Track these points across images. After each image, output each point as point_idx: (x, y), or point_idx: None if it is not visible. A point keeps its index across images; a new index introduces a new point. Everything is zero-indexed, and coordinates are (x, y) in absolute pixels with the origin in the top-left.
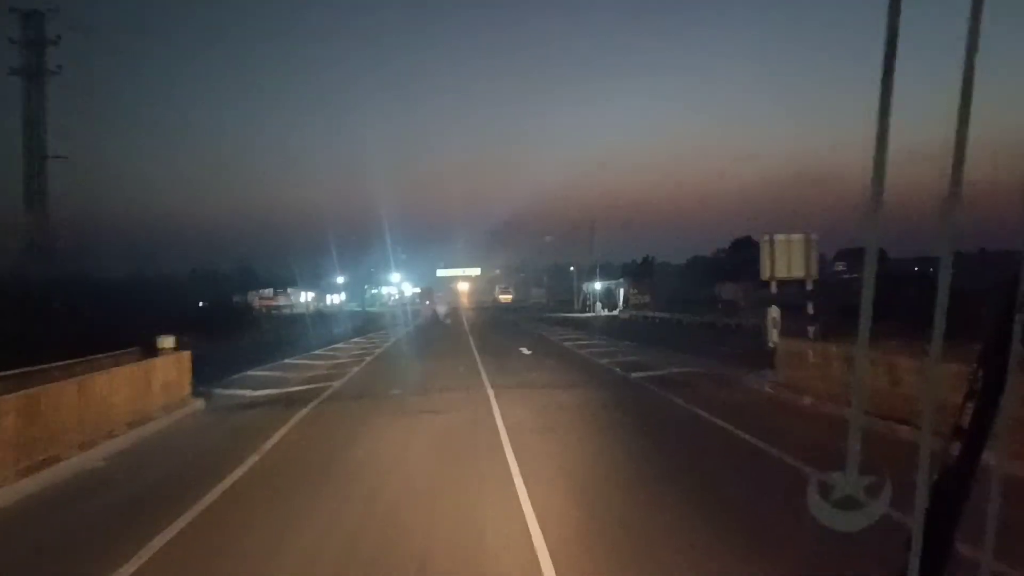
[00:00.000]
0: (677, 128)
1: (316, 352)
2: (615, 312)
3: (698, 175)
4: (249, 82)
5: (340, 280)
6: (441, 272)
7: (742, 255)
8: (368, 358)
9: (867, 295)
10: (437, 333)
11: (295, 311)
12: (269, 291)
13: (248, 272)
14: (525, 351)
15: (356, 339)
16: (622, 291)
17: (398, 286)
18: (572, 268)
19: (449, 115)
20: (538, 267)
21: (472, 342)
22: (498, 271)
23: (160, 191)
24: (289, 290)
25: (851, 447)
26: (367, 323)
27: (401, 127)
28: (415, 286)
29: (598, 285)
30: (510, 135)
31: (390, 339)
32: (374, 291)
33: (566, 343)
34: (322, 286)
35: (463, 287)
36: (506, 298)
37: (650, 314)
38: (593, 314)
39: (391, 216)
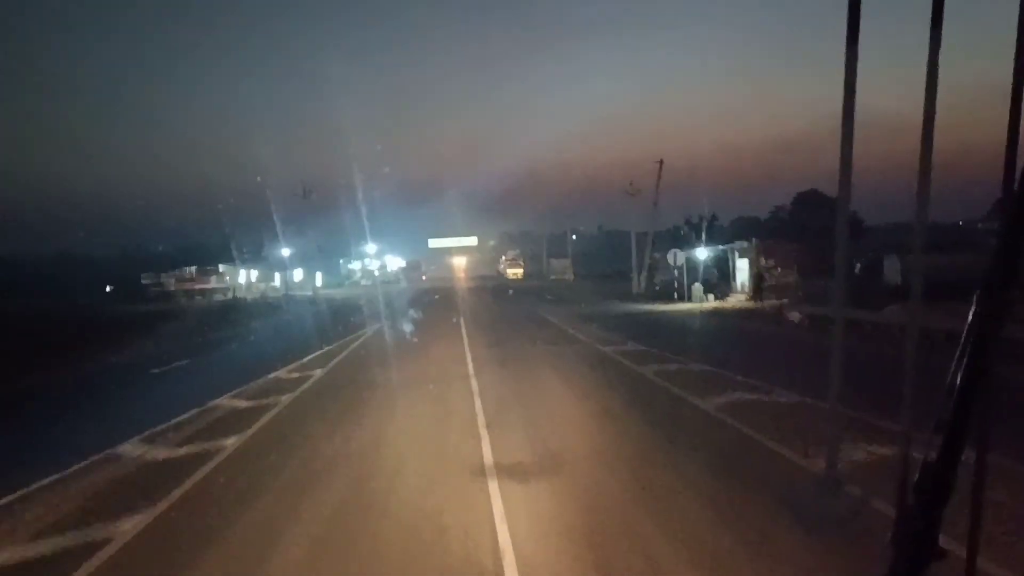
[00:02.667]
0: (706, 80)
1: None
2: (746, 299)
3: (734, 130)
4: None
5: (286, 253)
6: (434, 243)
7: (811, 213)
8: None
9: None
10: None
11: (230, 295)
12: (191, 270)
13: (199, 249)
14: None
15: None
16: (746, 263)
17: (379, 258)
18: (570, 234)
19: (441, 70)
20: (550, 234)
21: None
22: (492, 243)
23: (96, 164)
24: (222, 267)
25: None
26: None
27: (382, 75)
28: (403, 259)
29: (703, 253)
30: (510, 97)
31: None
32: (350, 265)
33: None
34: (272, 261)
35: (459, 261)
36: (516, 273)
37: (839, 315)
38: (691, 304)
39: (372, 180)
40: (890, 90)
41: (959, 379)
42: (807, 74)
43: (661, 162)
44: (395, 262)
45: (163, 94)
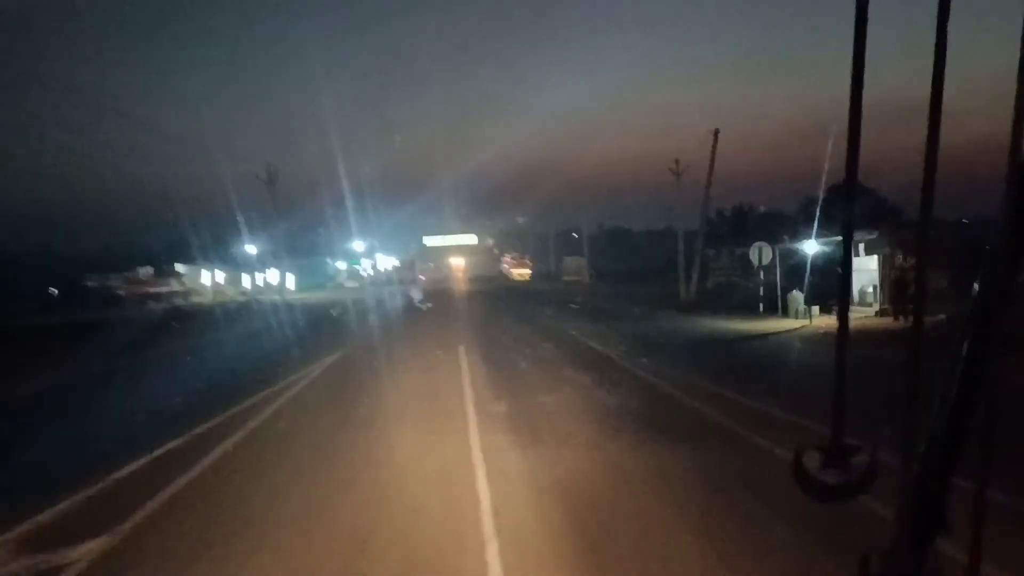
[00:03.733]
0: (712, 75)
1: None
2: (875, 314)
3: (744, 125)
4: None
5: (253, 250)
6: (430, 241)
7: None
8: None
9: None
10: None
11: (192, 299)
12: (147, 270)
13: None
14: None
15: None
16: (875, 262)
17: (370, 257)
18: (583, 230)
19: (434, 52)
20: (556, 231)
21: None
22: (491, 242)
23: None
24: (181, 268)
25: None
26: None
27: (377, 61)
28: (397, 258)
29: (812, 247)
30: (510, 92)
31: None
32: (337, 264)
33: None
34: (240, 261)
35: (457, 261)
36: (522, 274)
37: None
38: (792, 320)
39: (364, 174)
40: (955, 77)
41: (965, 348)
42: (818, 65)
43: (716, 132)
44: (388, 261)
45: (146, 86)
